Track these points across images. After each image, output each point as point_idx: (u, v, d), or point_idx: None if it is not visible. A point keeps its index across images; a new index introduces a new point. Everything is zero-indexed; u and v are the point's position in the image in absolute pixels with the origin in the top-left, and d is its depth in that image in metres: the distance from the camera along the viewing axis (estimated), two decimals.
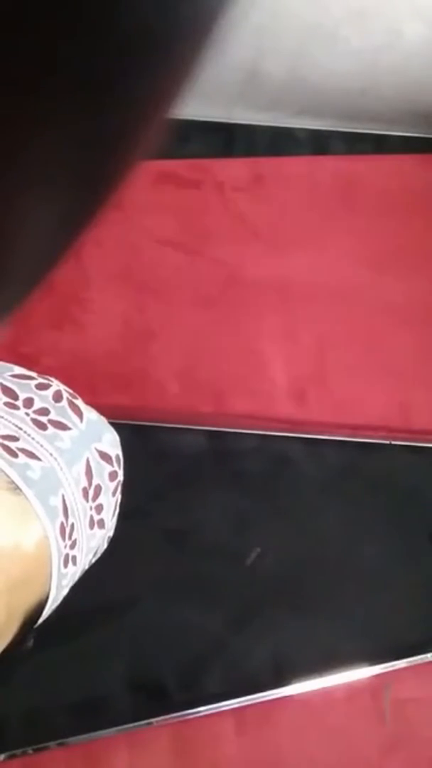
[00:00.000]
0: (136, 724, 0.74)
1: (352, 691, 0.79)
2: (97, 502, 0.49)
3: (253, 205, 1.01)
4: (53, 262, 0.19)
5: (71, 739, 0.72)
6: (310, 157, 1.08)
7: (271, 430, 0.89)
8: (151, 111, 0.16)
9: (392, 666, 0.80)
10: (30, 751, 0.71)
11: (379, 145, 1.11)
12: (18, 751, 0.71)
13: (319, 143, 1.10)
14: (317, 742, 0.77)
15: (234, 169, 1.03)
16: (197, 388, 0.89)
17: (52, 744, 0.72)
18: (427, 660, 0.80)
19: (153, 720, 0.74)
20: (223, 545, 0.83)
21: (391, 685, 0.79)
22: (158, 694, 0.76)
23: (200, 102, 1.04)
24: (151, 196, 0.99)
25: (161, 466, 0.86)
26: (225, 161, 1.04)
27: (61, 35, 0.12)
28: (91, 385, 0.86)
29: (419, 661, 0.80)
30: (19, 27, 0.11)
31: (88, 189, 0.17)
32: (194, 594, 0.80)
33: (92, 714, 0.74)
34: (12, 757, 0.71)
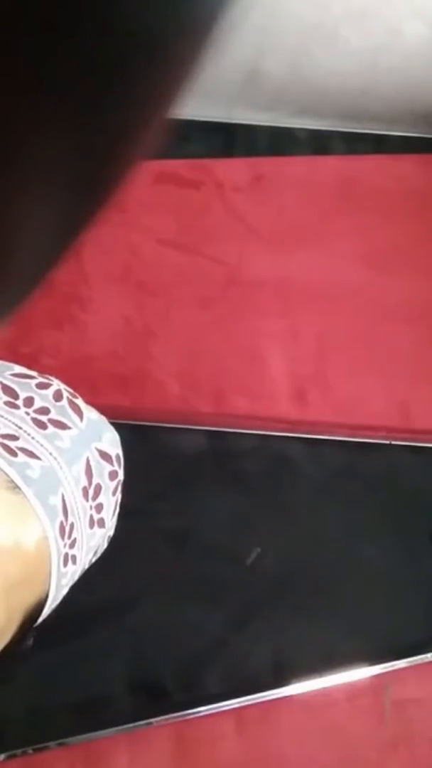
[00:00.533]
0: (136, 724, 0.74)
1: (352, 691, 0.79)
2: (97, 501, 0.50)
3: (253, 205, 1.01)
4: (53, 262, 0.19)
5: (71, 739, 0.72)
6: (310, 157, 1.08)
7: (271, 430, 0.89)
8: (151, 111, 0.16)
9: (392, 666, 0.80)
10: (30, 751, 0.71)
11: (379, 145, 1.11)
12: (18, 751, 0.71)
13: (319, 143, 1.10)
14: (317, 742, 0.77)
15: (234, 169, 1.03)
16: (197, 388, 0.89)
17: (52, 744, 0.72)
18: (427, 660, 0.80)
19: (153, 720, 0.74)
20: (223, 545, 0.83)
21: (391, 685, 0.79)
22: (158, 694, 0.76)
23: (200, 102, 1.04)
24: (151, 196, 0.99)
25: (161, 466, 0.86)
26: (225, 161, 1.04)
27: (61, 35, 0.12)
28: (91, 385, 0.86)
29: (419, 661, 0.80)
30: (19, 26, 0.11)
31: (88, 189, 0.17)
32: (194, 594, 0.80)
33: (92, 714, 0.74)
34: (12, 757, 0.71)
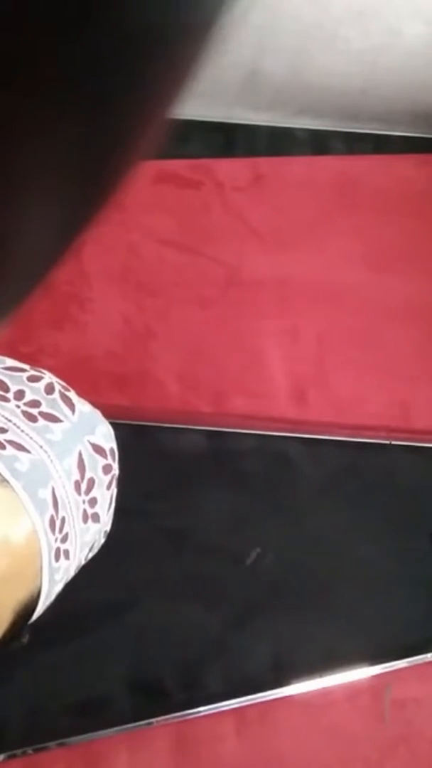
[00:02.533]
0: (136, 724, 0.74)
1: (352, 691, 0.79)
2: (91, 495, 0.49)
3: (253, 205, 1.01)
4: (54, 261, 0.19)
5: (71, 739, 0.72)
6: (310, 157, 1.08)
7: (271, 430, 0.89)
8: (152, 111, 0.16)
9: (392, 666, 0.80)
10: (30, 751, 0.71)
11: (379, 145, 1.11)
12: (18, 751, 0.71)
13: (319, 143, 1.10)
14: (317, 742, 0.77)
15: (234, 169, 1.03)
16: (197, 388, 0.89)
17: (52, 744, 0.72)
18: (427, 660, 0.80)
19: (153, 720, 0.74)
20: (223, 545, 0.83)
21: (391, 685, 0.79)
22: (158, 694, 0.76)
23: (200, 102, 1.04)
24: (151, 196, 0.99)
25: (161, 466, 0.86)
26: (225, 161, 1.04)
27: (62, 36, 0.12)
28: (91, 385, 0.86)
29: (419, 661, 0.80)
30: (22, 27, 0.11)
31: (89, 189, 0.17)
32: (194, 594, 0.80)
33: (92, 714, 0.74)
34: (12, 757, 0.71)
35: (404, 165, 1.07)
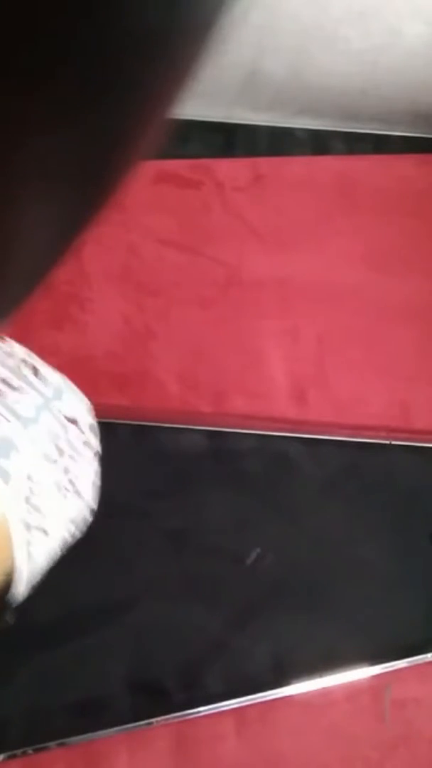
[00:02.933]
0: (136, 724, 0.74)
1: (352, 691, 0.79)
2: (66, 467, 0.47)
3: (253, 205, 1.01)
4: (54, 261, 0.19)
5: (71, 739, 0.72)
6: (310, 157, 1.08)
7: (271, 430, 0.89)
8: (152, 111, 0.16)
9: (392, 666, 0.80)
10: (30, 751, 0.71)
11: (379, 145, 1.11)
12: (18, 751, 0.71)
13: (319, 143, 1.10)
14: (317, 742, 0.77)
15: (234, 169, 1.03)
16: (197, 388, 0.89)
17: (52, 744, 0.72)
18: (427, 660, 0.80)
19: (153, 720, 0.74)
20: (223, 545, 0.83)
21: (391, 685, 0.79)
22: (158, 694, 0.76)
23: (200, 102, 1.04)
24: (151, 196, 0.99)
25: (161, 466, 0.86)
26: (225, 161, 1.04)
27: (64, 36, 0.12)
28: (91, 385, 0.86)
29: (419, 661, 0.80)
30: (24, 27, 0.11)
31: (89, 189, 0.17)
32: (194, 594, 0.80)
33: (92, 714, 0.74)
34: (12, 757, 0.71)
35: (404, 165, 1.07)
